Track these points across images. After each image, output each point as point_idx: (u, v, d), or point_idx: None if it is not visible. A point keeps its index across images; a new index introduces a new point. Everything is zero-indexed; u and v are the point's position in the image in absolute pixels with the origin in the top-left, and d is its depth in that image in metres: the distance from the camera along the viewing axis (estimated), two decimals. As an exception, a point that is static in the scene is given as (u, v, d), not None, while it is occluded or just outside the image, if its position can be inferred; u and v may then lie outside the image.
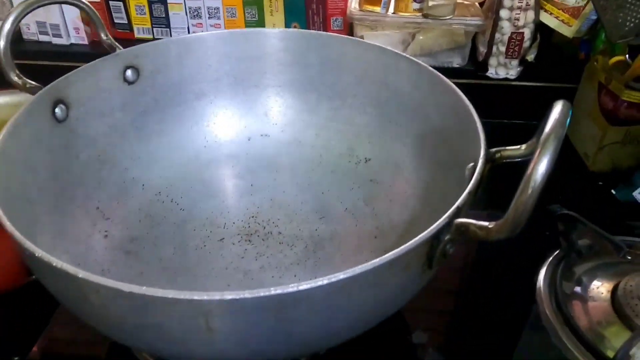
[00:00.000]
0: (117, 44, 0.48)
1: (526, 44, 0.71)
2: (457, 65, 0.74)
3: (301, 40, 0.52)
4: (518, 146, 0.35)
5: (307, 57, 0.53)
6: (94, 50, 0.72)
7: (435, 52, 0.73)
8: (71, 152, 0.45)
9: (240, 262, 0.43)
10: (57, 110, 0.43)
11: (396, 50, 0.47)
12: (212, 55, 0.52)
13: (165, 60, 0.50)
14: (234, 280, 0.42)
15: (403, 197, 0.47)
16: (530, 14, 0.69)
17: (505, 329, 0.43)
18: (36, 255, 0.27)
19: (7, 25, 0.41)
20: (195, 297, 0.24)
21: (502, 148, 0.35)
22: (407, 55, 0.47)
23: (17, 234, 0.29)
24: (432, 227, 0.29)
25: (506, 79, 0.74)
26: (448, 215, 0.29)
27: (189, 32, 0.72)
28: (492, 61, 0.73)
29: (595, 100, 0.62)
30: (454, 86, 0.42)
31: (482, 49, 0.73)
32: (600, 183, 0.60)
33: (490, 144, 0.35)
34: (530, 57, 0.74)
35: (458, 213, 0.30)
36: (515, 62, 0.73)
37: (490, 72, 0.74)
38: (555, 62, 0.73)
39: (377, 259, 0.27)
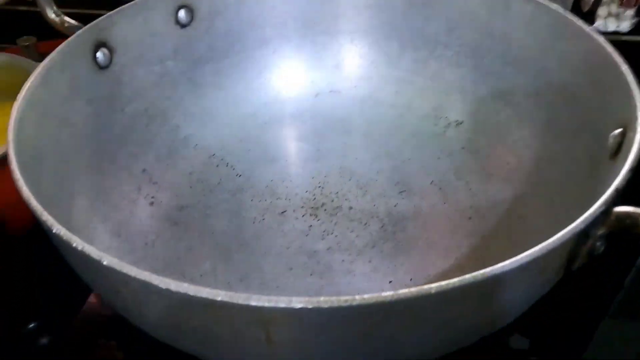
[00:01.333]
0: (168, -22, 0.41)
1: (646, -10, 0.58)
2: (557, 17, 0.62)
3: (383, -24, 0.43)
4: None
5: (390, -3, 0.44)
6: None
7: None
8: (115, 104, 0.39)
9: (304, 240, 0.36)
10: (98, 54, 0.37)
11: (506, -14, 0.38)
12: (275, -5, 0.44)
13: (223, 0, 0.43)
14: (297, 263, 0.35)
15: (505, 170, 0.38)
16: (655, -48, 0.56)
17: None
18: (53, 231, 0.21)
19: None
20: (253, 303, 0.17)
21: (668, 110, 0.25)
22: (520, -8, 0.37)
23: (34, 202, 0.22)
24: (582, 218, 0.20)
25: (616, 33, 0.61)
26: (604, 201, 0.21)
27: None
28: (601, 11, 0.61)
29: None
30: (589, 30, 0.32)
31: (589, -3, 0.61)
32: None
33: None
34: (650, 7, 0.61)
35: (617, 198, 0.21)
36: (630, 12, 0.60)
37: (598, 25, 0.61)
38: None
39: (508, 262, 0.19)
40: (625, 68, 0.28)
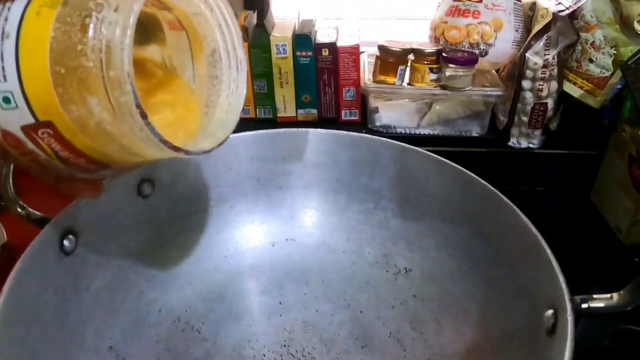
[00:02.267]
0: (130, 155, 0.43)
1: (550, 113, 0.68)
2: (477, 135, 0.70)
3: (329, 141, 0.48)
4: (608, 295, 0.30)
5: (336, 157, 0.49)
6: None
7: (452, 119, 0.70)
8: (80, 286, 0.39)
9: (277, 409, 0.38)
10: (65, 242, 0.38)
11: (440, 158, 0.43)
12: (233, 157, 0.48)
13: (181, 168, 0.46)
14: None
15: (454, 320, 0.42)
16: (554, 85, 0.66)
17: None
18: None
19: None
20: None
21: (589, 297, 0.30)
22: (453, 164, 0.42)
23: None
24: None
25: (528, 148, 0.70)
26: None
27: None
28: (514, 131, 0.70)
29: (626, 172, 0.58)
30: (514, 207, 0.37)
31: (503, 118, 0.70)
32: (636, 259, 0.56)
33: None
34: (553, 126, 0.70)
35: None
36: (538, 132, 0.69)
37: (512, 142, 0.70)
38: (578, 128, 0.70)
39: None
40: (549, 252, 0.33)
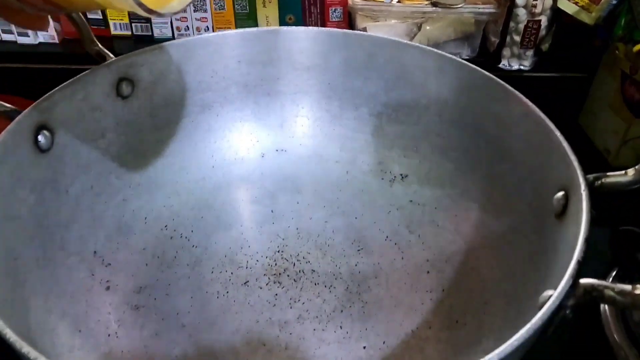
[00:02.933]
0: (107, 51, 0.40)
1: (542, 32, 0.66)
2: (467, 57, 0.68)
3: (321, 40, 0.45)
4: (622, 171, 0.28)
5: (328, 59, 0.46)
6: (66, 50, 0.63)
7: (442, 42, 0.67)
8: (59, 187, 0.37)
9: (272, 311, 0.36)
10: (40, 137, 0.35)
11: (440, 51, 0.41)
12: (217, 59, 0.45)
13: (164, 69, 0.42)
14: (269, 337, 0.35)
15: (453, 221, 0.41)
16: (548, 1, 0.63)
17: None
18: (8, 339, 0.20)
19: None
20: None
21: (603, 174, 0.29)
22: (453, 57, 0.40)
23: None
24: (552, 299, 0.22)
25: (520, 70, 0.68)
26: (570, 274, 0.23)
27: (172, 28, 0.64)
28: (505, 52, 0.68)
29: (618, 90, 0.57)
30: (520, 95, 0.35)
31: (494, 39, 0.67)
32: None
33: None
34: (545, 47, 0.68)
35: (579, 270, 0.23)
36: (530, 53, 0.67)
37: (503, 64, 0.68)
38: (569, 50, 0.68)
39: (497, 351, 0.20)
40: (559, 134, 0.31)
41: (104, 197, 0.40)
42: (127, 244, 0.40)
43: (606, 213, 0.37)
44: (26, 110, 0.34)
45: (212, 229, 0.42)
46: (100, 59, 0.40)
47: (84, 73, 0.38)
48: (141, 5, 0.24)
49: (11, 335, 0.21)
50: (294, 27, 0.44)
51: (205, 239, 0.41)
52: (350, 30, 0.44)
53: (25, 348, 0.20)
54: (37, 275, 0.32)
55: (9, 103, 0.34)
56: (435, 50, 0.41)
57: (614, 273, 0.42)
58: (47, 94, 0.35)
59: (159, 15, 0.25)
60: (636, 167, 0.28)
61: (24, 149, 0.34)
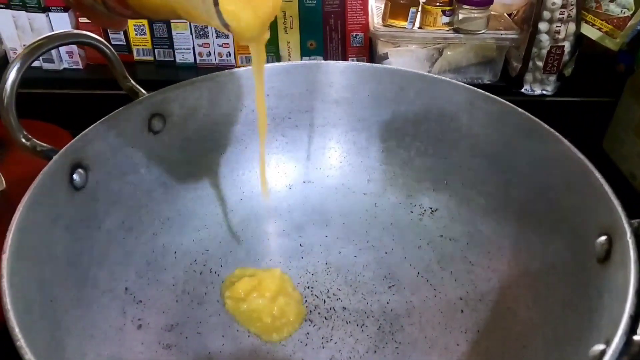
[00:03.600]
0: (139, 87, 0.40)
1: (566, 58, 0.65)
2: (488, 82, 0.67)
3: (350, 74, 0.45)
4: (667, 216, 0.28)
5: (356, 92, 0.46)
6: (90, 76, 0.64)
7: (464, 67, 0.67)
8: (92, 223, 0.37)
9: (304, 351, 0.36)
10: (75, 176, 0.35)
11: (470, 86, 0.40)
12: (246, 93, 0.45)
13: (195, 104, 0.43)
14: (303, 379, 0.34)
15: (486, 258, 0.40)
16: (572, 26, 0.63)
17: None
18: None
19: (12, 75, 0.33)
20: None
21: (647, 218, 0.28)
22: (486, 93, 0.40)
23: None
24: (610, 353, 0.22)
25: (542, 95, 0.68)
26: (623, 330, 0.22)
27: (194, 53, 0.64)
28: (528, 77, 0.67)
29: None
30: (556, 133, 0.35)
31: (516, 64, 0.67)
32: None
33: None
34: (568, 72, 0.68)
35: (632, 326, 0.23)
36: (553, 78, 0.67)
37: (526, 89, 0.68)
38: (592, 75, 0.68)
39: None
40: (599, 176, 0.31)
41: (135, 232, 0.40)
42: (158, 279, 0.40)
43: None
44: (62, 149, 0.34)
45: (241, 263, 0.42)
46: (133, 95, 0.40)
47: (117, 111, 0.38)
48: (226, 26, 0.24)
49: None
50: (322, 61, 0.45)
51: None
52: (380, 65, 0.44)
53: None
54: (71, 315, 0.32)
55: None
56: (466, 85, 0.41)
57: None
58: (81, 133, 0.36)
59: (241, 36, 0.26)
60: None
61: (60, 188, 0.34)
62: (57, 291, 0.32)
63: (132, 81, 0.40)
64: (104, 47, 0.37)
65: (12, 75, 0.33)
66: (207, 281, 0.41)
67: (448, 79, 0.42)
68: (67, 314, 0.32)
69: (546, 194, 0.36)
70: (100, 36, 0.38)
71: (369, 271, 0.41)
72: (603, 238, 0.29)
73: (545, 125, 0.36)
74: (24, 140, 0.34)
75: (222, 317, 0.38)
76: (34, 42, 0.34)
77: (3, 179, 0.48)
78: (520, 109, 0.38)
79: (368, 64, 0.45)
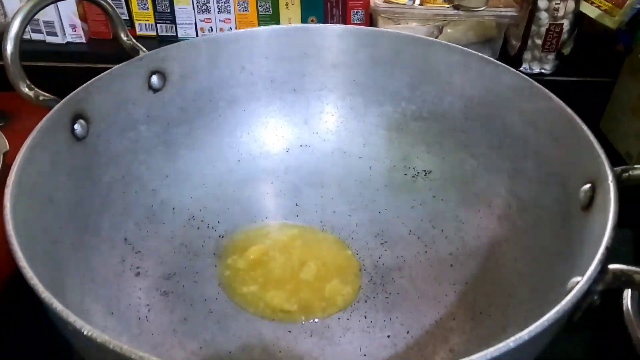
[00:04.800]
0: (140, 45, 0.41)
1: (564, 36, 0.65)
2: (488, 60, 0.67)
3: (347, 38, 0.46)
4: (649, 164, 0.29)
5: (354, 56, 0.46)
6: (93, 49, 0.65)
7: (463, 45, 0.67)
8: (93, 175, 0.38)
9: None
10: (76, 126, 0.36)
11: (465, 48, 0.41)
12: (246, 55, 0.46)
13: (194, 63, 0.44)
14: (294, 325, 0.35)
15: (476, 216, 0.41)
16: (571, 4, 0.63)
17: None
18: (71, 322, 0.21)
19: (15, 27, 0.34)
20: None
21: (630, 167, 0.29)
22: (478, 53, 0.41)
23: (46, 294, 0.22)
24: (581, 283, 0.22)
25: (541, 74, 0.68)
26: (599, 259, 0.23)
27: (196, 28, 0.65)
28: (527, 55, 0.67)
29: None
30: (546, 91, 0.36)
31: (515, 42, 0.67)
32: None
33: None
34: (567, 50, 0.68)
35: (608, 256, 0.24)
36: (551, 56, 0.67)
37: (524, 67, 0.68)
38: (591, 54, 0.68)
39: (527, 330, 0.20)
40: (586, 128, 0.32)
41: (134, 187, 0.41)
42: (156, 232, 0.41)
43: (628, 214, 0.38)
44: (64, 99, 0.35)
45: (238, 220, 0.43)
46: (133, 52, 0.41)
47: (118, 66, 0.39)
48: None
49: (57, 305, 0.22)
50: (321, 24, 0.45)
51: (232, 230, 0.42)
52: (377, 28, 0.45)
53: (71, 317, 0.21)
54: (72, 258, 0.33)
55: None
56: (461, 47, 0.41)
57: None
58: (83, 85, 0.37)
59: None
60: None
61: (62, 136, 0.35)
62: (58, 233, 0.33)
63: (133, 39, 0.41)
64: (106, 4, 0.38)
65: (15, 24, 0.34)
66: (204, 235, 0.42)
67: (443, 41, 0.43)
68: (67, 257, 0.33)
69: (536, 150, 0.37)
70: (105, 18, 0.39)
71: (362, 229, 0.42)
72: (587, 186, 0.30)
73: (536, 83, 0.37)
74: (26, 90, 0.35)
75: (217, 268, 0.39)
76: (37, -6, 0.35)
77: (7, 141, 0.49)
78: (512, 68, 0.39)
79: (365, 27, 0.45)
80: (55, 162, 0.34)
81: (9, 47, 0.34)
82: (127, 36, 0.41)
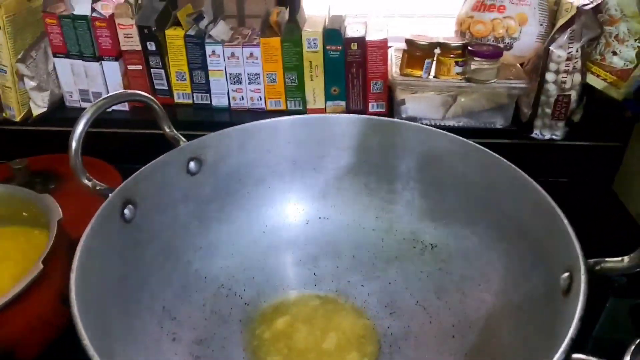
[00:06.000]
0: (180, 136, 0.48)
1: (573, 105, 0.69)
2: (500, 126, 0.72)
3: (360, 125, 0.52)
4: (620, 258, 0.33)
5: (367, 141, 0.52)
6: (134, 117, 0.72)
7: (477, 112, 0.72)
8: (138, 251, 0.44)
9: (313, 365, 0.42)
10: (126, 211, 0.42)
11: (465, 140, 0.46)
12: (271, 141, 0.52)
13: (227, 149, 0.50)
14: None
15: (476, 290, 0.45)
16: (577, 77, 0.67)
17: None
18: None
19: (79, 127, 0.41)
20: None
21: (602, 260, 0.33)
22: (478, 145, 0.46)
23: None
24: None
25: (552, 140, 0.71)
26: (563, 349, 0.28)
27: (228, 98, 0.72)
28: (537, 122, 0.71)
29: None
30: (534, 183, 0.40)
31: (526, 110, 0.71)
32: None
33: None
34: (576, 118, 0.72)
35: (572, 346, 0.28)
36: (561, 124, 0.71)
37: (536, 133, 0.71)
38: (601, 120, 0.71)
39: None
40: (567, 222, 0.36)
41: (172, 259, 0.47)
42: (190, 300, 0.46)
43: (629, 285, 0.41)
44: (116, 189, 0.42)
45: (262, 289, 0.48)
46: (175, 142, 0.47)
47: (162, 156, 0.46)
48: None
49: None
50: (337, 114, 0.51)
51: (256, 299, 0.47)
52: (387, 118, 0.51)
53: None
54: (119, 325, 0.39)
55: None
56: (462, 138, 0.47)
57: (636, 342, 0.44)
58: (132, 175, 0.43)
59: None
60: (631, 255, 0.32)
61: (114, 220, 0.41)
62: (110, 303, 0.38)
63: (174, 131, 0.48)
64: (154, 105, 0.45)
65: (79, 127, 0.41)
66: (232, 303, 0.47)
67: (444, 132, 0.48)
68: (115, 324, 0.38)
69: (528, 235, 0.41)
70: (147, 89, 0.45)
71: (373, 298, 0.47)
72: (566, 274, 0.34)
73: (527, 177, 0.41)
74: (86, 181, 0.42)
75: (243, 334, 0.44)
76: (99, 101, 0.42)
77: (61, 210, 0.56)
78: (505, 160, 0.43)
79: (375, 117, 0.51)
80: (108, 245, 0.40)
81: (74, 144, 0.41)
82: (169, 128, 0.48)
